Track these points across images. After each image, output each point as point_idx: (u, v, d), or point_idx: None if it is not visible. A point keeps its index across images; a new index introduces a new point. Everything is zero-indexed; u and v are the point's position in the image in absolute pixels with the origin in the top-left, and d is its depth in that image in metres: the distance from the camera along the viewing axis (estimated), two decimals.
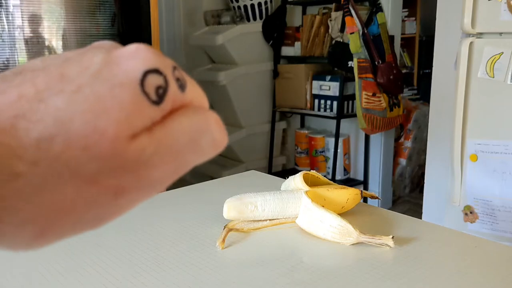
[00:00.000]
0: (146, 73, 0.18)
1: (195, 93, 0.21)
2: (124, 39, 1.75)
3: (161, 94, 0.19)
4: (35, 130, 0.17)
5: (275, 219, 0.77)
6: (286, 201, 0.76)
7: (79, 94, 0.18)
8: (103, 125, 0.17)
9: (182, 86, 0.20)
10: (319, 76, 2.84)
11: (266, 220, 0.76)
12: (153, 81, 0.18)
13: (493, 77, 1.47)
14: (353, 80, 2.61)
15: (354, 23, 2.55)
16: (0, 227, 0.17)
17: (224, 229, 0.73)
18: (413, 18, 3.51)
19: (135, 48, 0.19)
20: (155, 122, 0.19)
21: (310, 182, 0.80)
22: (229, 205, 0.76)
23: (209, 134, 0.20)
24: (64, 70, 0.18)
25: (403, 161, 3.07)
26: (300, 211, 0.74)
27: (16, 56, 1.58)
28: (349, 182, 2.92)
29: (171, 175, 0.20)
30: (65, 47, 1.66)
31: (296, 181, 0.80)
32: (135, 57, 0.19)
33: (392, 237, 0.67)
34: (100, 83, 0.18)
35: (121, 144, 0.18)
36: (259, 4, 2.97)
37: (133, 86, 0.18)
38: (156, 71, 0.19)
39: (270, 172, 3.02)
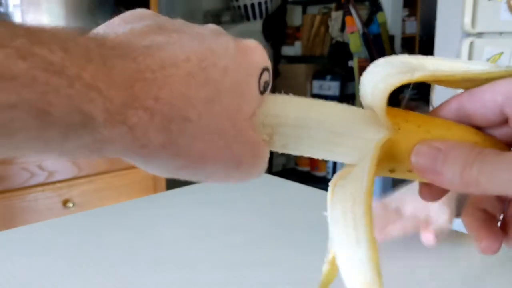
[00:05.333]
0: (264, 70, 0.24)
1: None
2: None
3: (265, 87, 0.25)
4: (202, 91, 0.21)
5: None
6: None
7: (227, 74, 0.22)
8: (241, 104, 0.23)
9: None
10: (319, 76, 2.84)
11: None
12: (265, 77, 0.25)
13: None
14: (353, 80, 2.61)
15: (354, 23, 2.55)
16: (161, 154, 0.21)
17: None
18: (413, 18, 3.51)
19: (255, 44, 0.25)
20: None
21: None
22: None
23: None
24: (211, 45, 0.23)
25: None
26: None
27: None
28: None
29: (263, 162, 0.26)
30: None
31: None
32: (258, 52, 0.24)
33: None
34: (239, 69, 0.23)
35: (246, 122, 0.23)
36: (259, 3, 2.97)
37: (256, 78, 0.24)
38: (267, 69, 0.25)
39: (270, 172, 3.02)
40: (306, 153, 0.27)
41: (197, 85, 0.21)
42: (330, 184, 0.29)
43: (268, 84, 0.25)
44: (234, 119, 0.23)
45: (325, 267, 0.32)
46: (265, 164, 0.26)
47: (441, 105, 0.29)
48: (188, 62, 0.21)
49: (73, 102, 0.18)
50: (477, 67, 0.27)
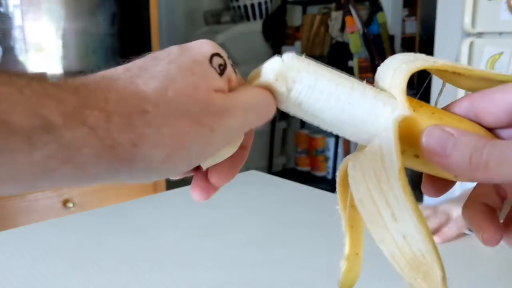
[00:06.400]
0: (213, 55, 0.26)
1: (239, 79, 0.28)
2: (124, 39, 1.74)
3: (222, 70, 0.26)
4: (151, 83, 0.23)
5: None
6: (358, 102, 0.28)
7: (173, 64, 0.25)
8: (196, 81, 0.25)
9: (234, 70, 0.28)
10: None
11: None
12: (217, 60, 0.26)
13: None
14: None
15: (354, 23, 2.54)
16: (137, 152, 0.22)
17: None
18: (413, 18, 3.51)
19: (200, 41, 0.27)
20: (225, 90, 0.26)
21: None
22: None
23: (268, 105, 0.27)
24: (155, 55, 0.25)
25: None
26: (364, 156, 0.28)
27: (16, 56, 1.58)
28: None
29: (242, 126, 0.27)
30: (65, 47, 1.66)
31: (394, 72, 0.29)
32: (204, 45, 0.27)
33: None
34: (184, 58, 0.25)
35: (210, 94, 0.25)
36: (259, 3, 2.97)
37: (206, 62, 0.26)
38: (218, 54, 0.27)
39: (270, 172, 3.01)
40: (317, 120, 0.28)
41: (144, 81, 0.23)
42: (338, 173, 0.29)
43: (224, 66, 0.26)
44: (195, 96, 0.24)
45: (343, 264, 0.30)
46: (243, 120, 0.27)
47: (453, 102, 0.29)
48: (128, 71, 0.24)
49: (27, 107, 0.19)
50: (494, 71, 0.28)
